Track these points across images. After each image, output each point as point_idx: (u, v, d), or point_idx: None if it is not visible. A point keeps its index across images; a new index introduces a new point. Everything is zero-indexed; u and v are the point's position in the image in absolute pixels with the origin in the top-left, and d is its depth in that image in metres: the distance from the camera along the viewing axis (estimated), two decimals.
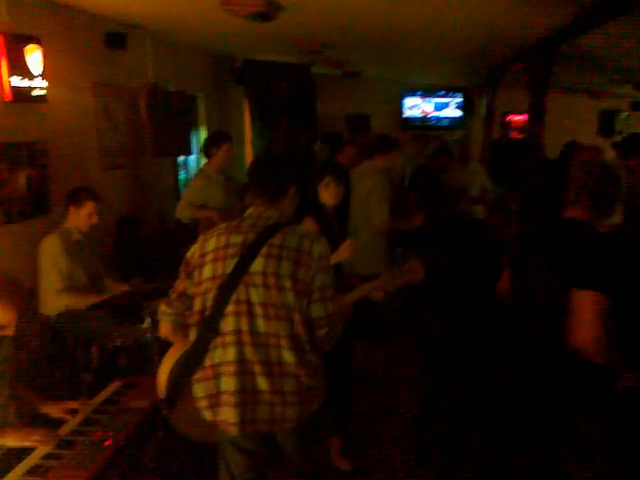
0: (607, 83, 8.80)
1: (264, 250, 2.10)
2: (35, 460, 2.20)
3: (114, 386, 2.87)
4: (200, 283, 2.16)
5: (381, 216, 4.24)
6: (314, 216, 3.16)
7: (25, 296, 2.37)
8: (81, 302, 3.73)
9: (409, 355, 4.85)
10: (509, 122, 10.63)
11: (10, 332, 2.24)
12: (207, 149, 4.90)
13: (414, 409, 4.02)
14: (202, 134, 7.20)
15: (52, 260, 3.68)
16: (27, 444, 2.25)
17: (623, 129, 10.62)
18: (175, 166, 6.75)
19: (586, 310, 2.16)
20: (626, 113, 10.68)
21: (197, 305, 2.17)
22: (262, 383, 2.10)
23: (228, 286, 2.10)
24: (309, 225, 3.08)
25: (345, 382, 3.38)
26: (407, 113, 10.77)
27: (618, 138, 9.63)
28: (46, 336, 3.75)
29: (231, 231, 2.19)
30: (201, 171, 5.01)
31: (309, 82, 8.28)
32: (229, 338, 2.11)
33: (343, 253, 3.06)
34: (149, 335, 3.42)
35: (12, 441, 2.25)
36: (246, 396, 2.11)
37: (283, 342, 2.10)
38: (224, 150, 4.79)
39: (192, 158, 7.11)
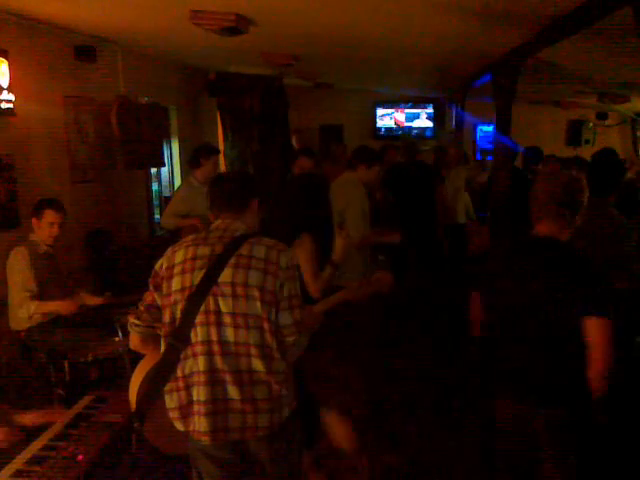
0: (573, 94, 9.01)
1: (233, 260, 2.14)
2: (6, 477, 2.18)
3: (86, 400, 2.85)
4: (169, 295, 2.18)
5: (358, 230, 4.16)
6: (310, 232, 3.15)
7: None
8: (48, 307, 3.69)
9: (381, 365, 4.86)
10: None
11: None
12: (196, 159, 4.99)
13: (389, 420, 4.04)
14: (174, 146, 7.19)
15: (19, 272, 3.65)
16: None
17: (590, 139, 10.86)
18: (148, 178, 6.71)
19: (599, 337, 2.11)
20: (592, 123, 10.92)
21: (166, 317, 2.18)
22: (233, 392, 2.13)
23: (197, 297, 2.12)
24: (306, 241, 3.07)
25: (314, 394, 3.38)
26: (379, 123, 10.88)
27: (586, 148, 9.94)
28: (16, 351, 3.71)
29: (198, 243, 2.22)
30: (186, 181, 5.14)
31: (281, 93, 8.33)
32: (199, 348, 2.13)
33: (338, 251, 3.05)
34: (121, 349, 3.41)
35: None
36: (217, 405, 2.13)
37: (253, 351, 2.12)
38: (213, 161, 4.96)
39: (165, 170, 7.09)
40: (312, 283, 2.97)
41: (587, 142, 10.78)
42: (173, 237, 4.84)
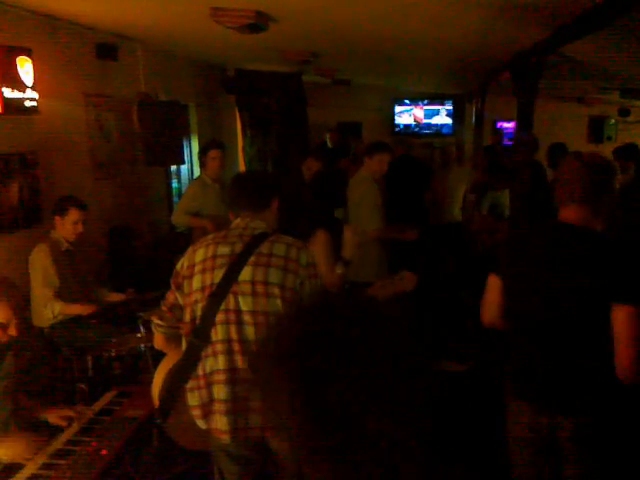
0: (595, 90, 8.90)
1: (252, 259, 2.14)
2: (32, 470, 2.22)
3: (109, 396, 2.88)
4: (190, 294, 2.19)
5: (373, 225, 4.26)
6: (325, 228, 3.19)
7: (20, 294, 2.39)
8: (72, 310, 3.73)
9: None
10: (501, 129, 10.64)
11: (13, 332, 2.26)
12: (199, 159, 5.04)
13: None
14: (194, 143, 7.22)
15: (42, 270, 3.68)
16: (15, 458, 2.25)
17: (612, 135, 10.71)
18: (168, 175, 6.76)
19: (625, 326, 1.93)
20: (614, 119, 10.78)
21: (187, 315, 2.20)
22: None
23: (217, 296, 2.13)
24: (321, 237, 3.10)
25: None
26: (398, 120, 10.84)
27: (608, 144, 9.80)
28: (40, 347, 3.75)
29: (219, 242, 2.23)
30: (199, 179, 5.11)
31: (300, 90, 8.32)
32: (219, 347, 2.14)
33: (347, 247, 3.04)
34: (143, 345, 3.44)
35: (1, 452, 2.25)
36: (237, 404, 2.13)
37: None
38: (210, 157, 4.89)
39: (184, 167, 7.13)
40: (327, 278, 2.98)
41: (609, 139, 10.66)
42: (192, 234, 4.86)
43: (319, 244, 3.04)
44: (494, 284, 2.31)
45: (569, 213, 2.16)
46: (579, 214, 2.13)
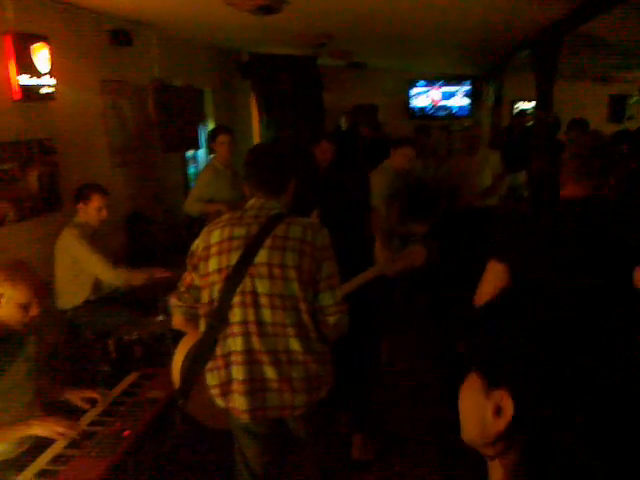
0: (616, 68, 8.73)
1: (268, 241, 2.13)
2: (57, 450, 2.26)
3: (131, 378, 2.92)
4: (206, 275, 2.19)
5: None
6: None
7: (39, 277, 2.43)
8: (135, 279, 3.82)
9: (415, 347, 4.80)
10: (525, 110, 10.46)
11: (34, 312, 2.30)
12: (208, 145, 5.01)
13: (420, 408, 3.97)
14: (210, 128, 7.23)
15: (82, 248, 3.69)
16: (51, 435, 2.30)
17: (634, 114, 10.49)
18: (184, 161, 6.78)
19: None
20: (636, 97, 10.55)
21: (205, 297, 2.20)
22: (270, 372, 2.15)
23: (234, 278, 2.13)
24: (374, 216, 3.15)
25: (363, 377, 3.40)
26: (414, 102, 10.73)
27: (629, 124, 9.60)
28: (63, 330, 3.81)
29: (234, 223, 2.21)
30: (209, 165, 5.08)
31: (315, 74, 8.28)
32: (236, 328, 2.15)
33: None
34: (164, 328, 3.47)
35: (38, 431, 2.30)
36: (255, 384, 2.15)
37: (290, 331, 2.13)
38: (219, 142, 4.86)
39: (201, 152, 7.15)
40: (382, 255, 3.02)
41: (630, 118, 10.43)
42: (206, 219, 4.87)
43: (376, 222, 3.08)
44: (497, 271, 2.21)
45: (575, 191, 2.18)
46: (585, 192, 2.16)
